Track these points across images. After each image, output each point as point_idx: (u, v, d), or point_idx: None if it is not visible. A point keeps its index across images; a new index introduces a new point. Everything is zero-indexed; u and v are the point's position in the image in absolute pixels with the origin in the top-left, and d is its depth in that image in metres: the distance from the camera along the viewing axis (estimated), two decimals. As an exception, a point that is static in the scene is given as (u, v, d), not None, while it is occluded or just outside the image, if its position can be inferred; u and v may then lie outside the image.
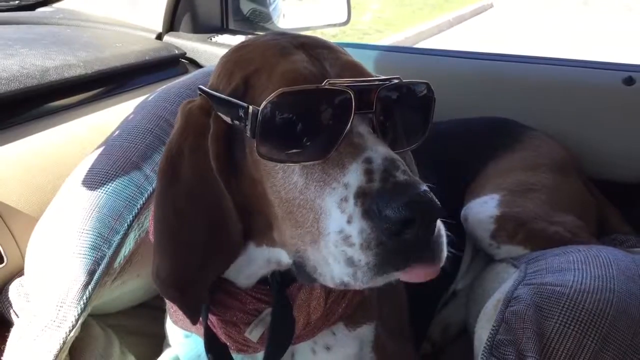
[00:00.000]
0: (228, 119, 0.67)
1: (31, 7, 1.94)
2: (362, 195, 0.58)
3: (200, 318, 0.77)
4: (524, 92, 1.50)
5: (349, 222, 0.58)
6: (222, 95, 0.68)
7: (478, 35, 7.53)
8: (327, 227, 0.59)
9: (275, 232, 0.68)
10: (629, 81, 1.40)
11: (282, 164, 0.63)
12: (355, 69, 0.69)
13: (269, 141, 0.61)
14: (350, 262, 0.58)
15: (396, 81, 0.66)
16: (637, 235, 1.28)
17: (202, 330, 0.79)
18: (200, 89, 0.72)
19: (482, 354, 0.82)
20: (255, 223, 0.70)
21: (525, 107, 1.48)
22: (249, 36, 1.78)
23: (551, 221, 1.14)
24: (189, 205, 0.67)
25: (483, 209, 1.18)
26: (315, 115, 0.62)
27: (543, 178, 1.23)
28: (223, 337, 0.79)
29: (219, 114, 0.68)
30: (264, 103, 0.60)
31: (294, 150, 0.61)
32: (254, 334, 0.77)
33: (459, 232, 1.25)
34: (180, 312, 0.83)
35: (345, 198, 0.59)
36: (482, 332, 0.88)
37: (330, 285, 0.61)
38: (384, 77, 0.67)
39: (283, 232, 0.66)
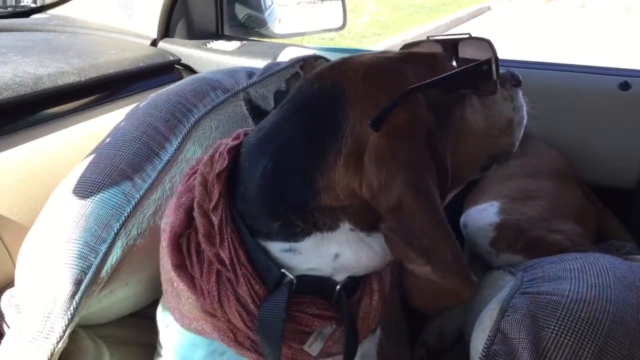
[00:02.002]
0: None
1: (25, 14, 1.93)
2: (504, 84, 0.86)
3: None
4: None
5: (512, 100, 0.87)
6: (470, 66, 0.78)
7: (476, 38, 7.52)
8: (506, 118, 0.86)
9: (461, 177, 0.82)
10: (625, 86, 1.40)
11: (467, 115, 0.80)
12: None
13: None
14: (523, 115, 0.88)
15: None
16: (634, 241, 1.27)
17: (220, 334, 0.78)
18: (416, 88, 0.72)
19: (477, 365, 0.81)
20: None
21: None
22: (244, 42, 1.78)
23: (551, 229, 1.13)
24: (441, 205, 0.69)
25: (482, 216, 1.18)
26: None
27: (543, 185, 1.23)
28: None
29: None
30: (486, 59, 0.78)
31: None
32: (314, 347, 0.77)
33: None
34: (196, 318, 0.79)
35: (502, 92, 0.85)
36: (478, 342, 0.87)
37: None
38: None
39: (473, 164, 0.83)
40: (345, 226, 0.73)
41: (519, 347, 0.79)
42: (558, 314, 0.81)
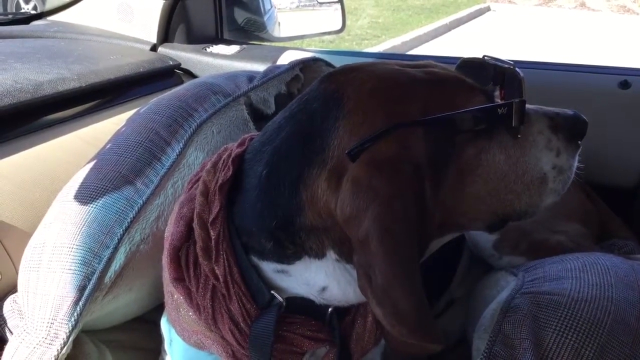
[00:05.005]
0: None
1: (25, 21, 1.94)
2: (557, 130, 0.73)
3: None
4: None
5: (557, 155, 0.73)
6: (478, 106, 0.69)
7: (476, 39, 7.54)
8: (539, 172, 0.72)
9: (460, 223, 0.73)
10: (625, 85, 1.40)
11: (485, 154, 0.69)
12: None
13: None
14: (565, 184, 0.74)
15: None
16: (636, 240, 1.27)
17: (220, 349, 0.77)
18: (412, 123, 0.66)
19: (480, 366, 0.82)
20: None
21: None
22: (244, 46, 1.78)
23: (554, 230, 1.13)
24: (416, 250, 0.64)
25: (485, 218, 1.17)
26: None
27: None
28: None
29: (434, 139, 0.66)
30: (515, 100, 0.69)
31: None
32: None
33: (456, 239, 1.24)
34: (195, 332, 0.79)
35: (549, 139, 0.72)
36: (480, 343, 0.87)
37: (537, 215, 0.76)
38: None
39: (478, 212, 0.71)
40: (331, 255, 0.70)
41: (521, 348, 0.79)
42: (559, 314, 0.81)
